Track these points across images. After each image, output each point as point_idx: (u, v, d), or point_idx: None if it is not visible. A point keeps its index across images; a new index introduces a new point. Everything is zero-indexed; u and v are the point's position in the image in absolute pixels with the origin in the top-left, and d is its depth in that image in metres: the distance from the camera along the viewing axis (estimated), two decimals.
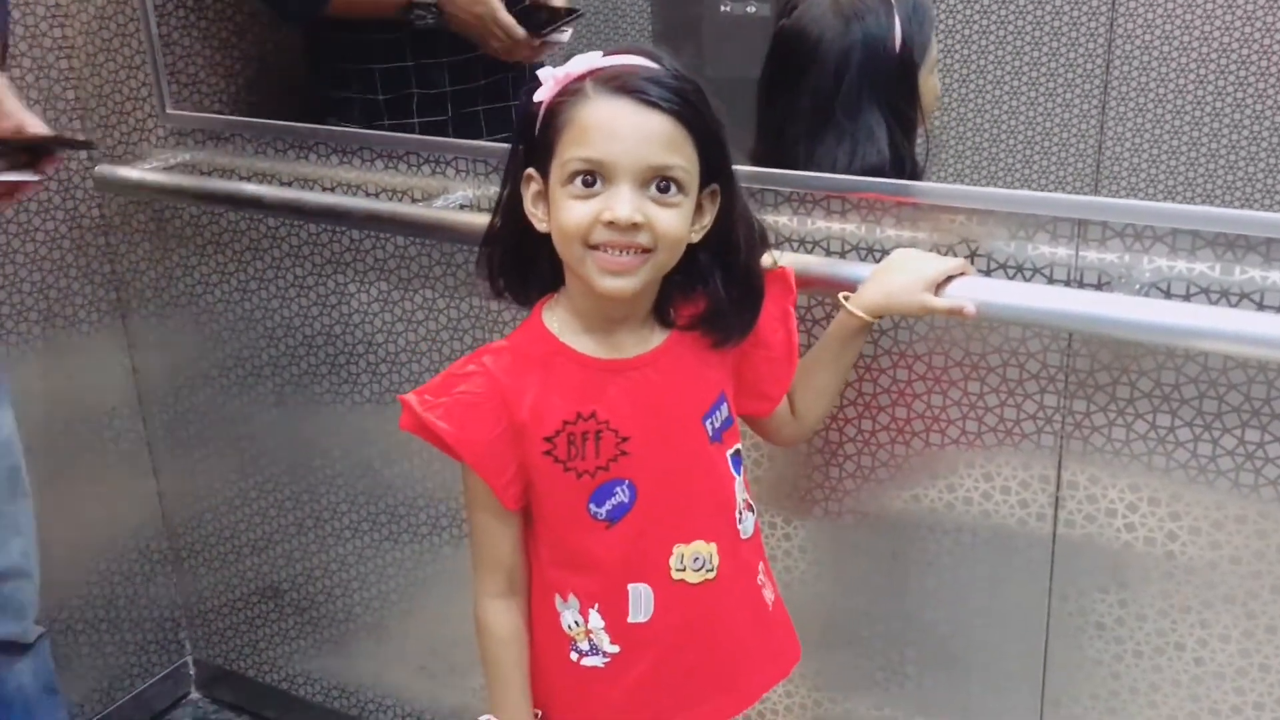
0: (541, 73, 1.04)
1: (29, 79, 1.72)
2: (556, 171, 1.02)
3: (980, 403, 1.27)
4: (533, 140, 1.05)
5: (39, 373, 1.80)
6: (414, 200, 1.54)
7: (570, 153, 1.00)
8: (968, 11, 1.87)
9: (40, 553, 1.80)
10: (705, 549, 1.12)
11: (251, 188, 1.62)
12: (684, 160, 1.01)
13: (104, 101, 1.78)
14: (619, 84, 1.00)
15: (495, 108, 1.80)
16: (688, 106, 1.00)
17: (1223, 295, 1.13)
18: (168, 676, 2.08)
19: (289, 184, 1.64)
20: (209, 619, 2.05)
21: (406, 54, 1.72)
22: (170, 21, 1.71)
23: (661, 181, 1.00)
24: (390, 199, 1.57)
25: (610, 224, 0.99)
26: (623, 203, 0.99)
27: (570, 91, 1.02)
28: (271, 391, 1.78)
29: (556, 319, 1.10)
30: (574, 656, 1.13)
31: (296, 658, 1.98)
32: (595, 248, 1.01)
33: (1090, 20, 1.78)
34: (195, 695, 2.12)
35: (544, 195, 1.05)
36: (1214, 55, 1.74)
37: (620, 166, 0.99)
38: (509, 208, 1.09)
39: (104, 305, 1.87)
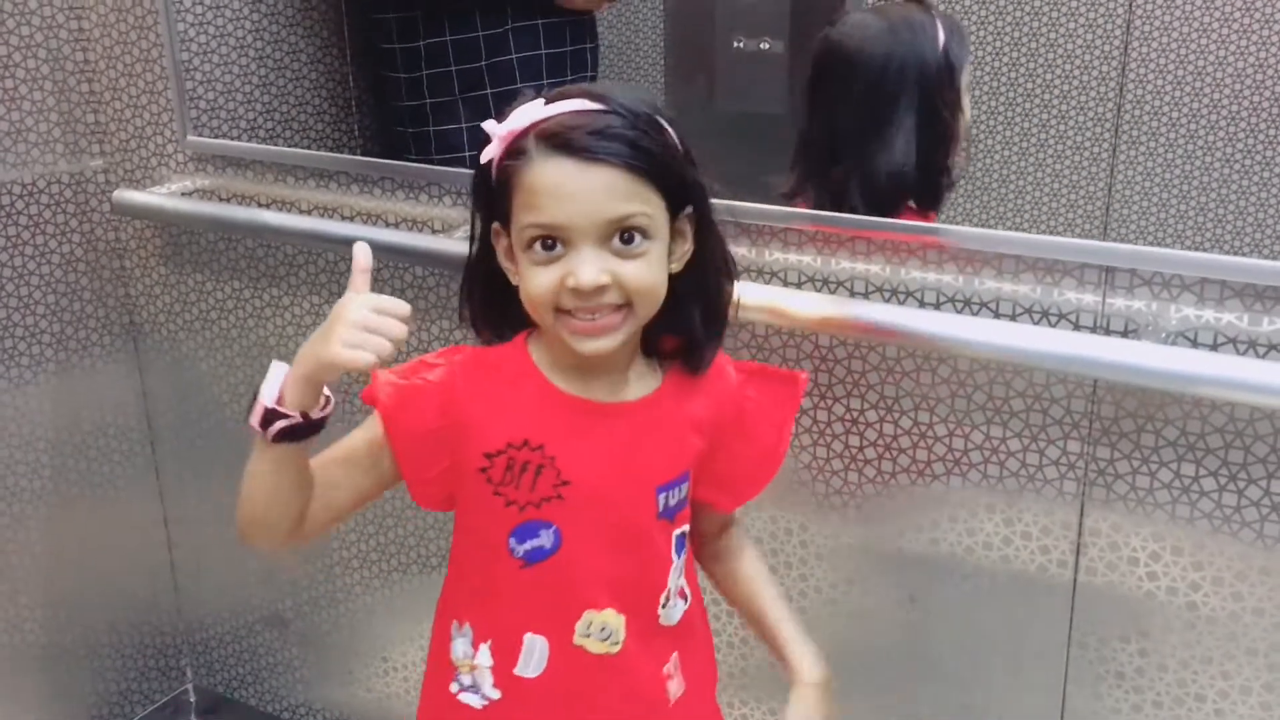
0: (486, 126, 0.99)
1: (50, 101, 1.72)
2: (516, 235, 0.98)
3: (1003, 447, 1.27)
4: (491, 196, 1.00)
5: (50, 395, 1.79)
6: (434, 231, 1.54)
7: (523, 219, 0.96)
8: (979, 53, 1.88)
9: (46, 575, 1.80)
10: (615, 620, 1.04)
11: (270, 216, 1.62)
12: (643, 205, 0.95)
13: (124, 126, 1.78)
14: (560, 141, 0.93)
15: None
16: (638, 152, 0.94)
17: (1250, 346, 1.13)
18: (168, 704, 2.05)
19: (308, 212, 1.64)
20: (211, 646, 2.03)
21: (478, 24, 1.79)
22: (191, 48, 1.72)
23: (624, 234, 0.95)
24: (410, 229, 1.57)
25: (575, 289, 0.94)
26: (585, 267, 0.94)
27: (515, 151, 0.96)
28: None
29: (536, 347, 1.05)
30: (454, 688, 1.08)
31: (300, 688, 1.96)
32: (567, 312, 0.97)
33: (1102, 64, 1.79)
34: None
35: (512, 248, 1.00)
36: (1226, 101, 1.75)
37: (576, 229, 0.94)
38: (480, 265, 1.05)
39: (116, 329, 1.86)
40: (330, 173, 1.62)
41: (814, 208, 1.44)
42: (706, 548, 1.17)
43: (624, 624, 1.05)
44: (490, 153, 0.98)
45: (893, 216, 1.38)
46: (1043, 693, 1.32)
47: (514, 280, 1.01)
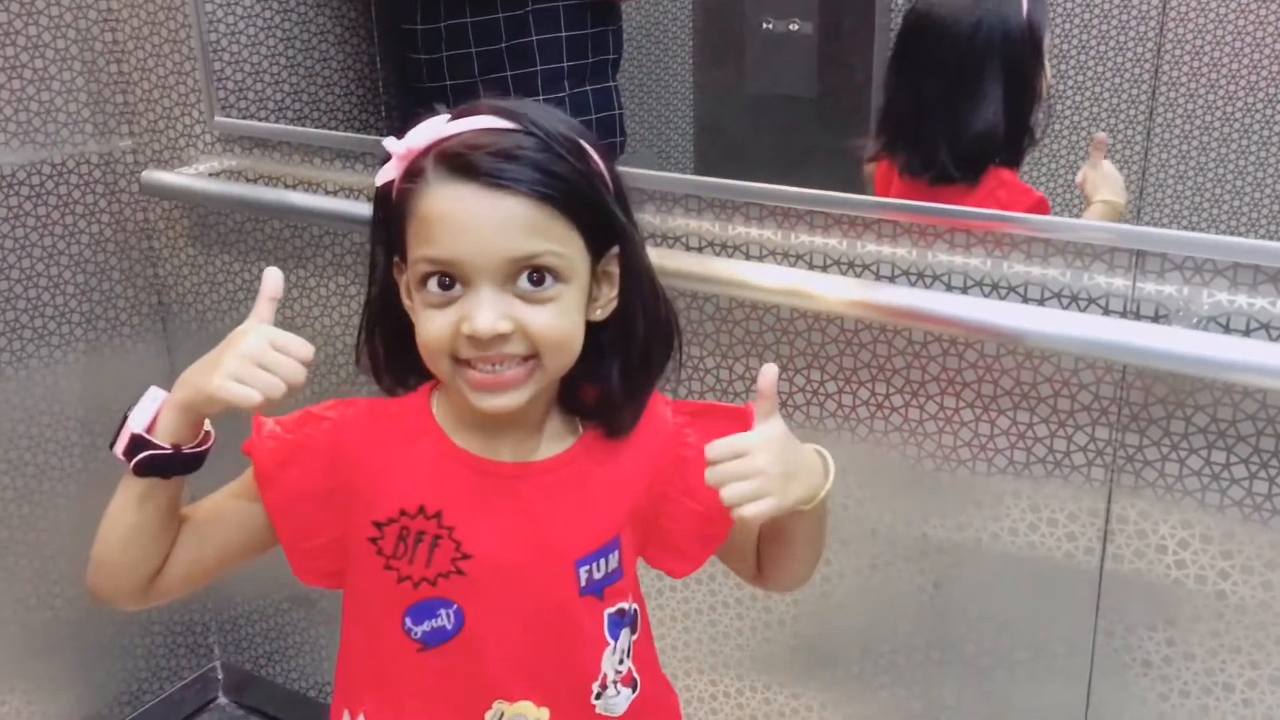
0: (385, 142, 0.87)
1: (79, 82, 1.73)
2: (410, 269, 0.85)
3: (1029, 433, 1.25)
4: (389, 226, 0.88)
5: (80, 374, 1.80)
6: None
7: (417, 252, 0.83)
8: None
9: (75, 553, 1.81)
10: (533, 714, 0.92)
11: (296, 197, 1.62)
12: (555, 243, 0.83)
13: (152, 106, 1.78)
14: (461, 164, 0.81)
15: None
16: (551, 179, 0.82)
17: None
18: (196, 680, 2.07)
19: (334, 193, 1.64)
20: (238, 624, 2.05)
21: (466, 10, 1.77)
22: (219, 28, 1.72)
23: (532, 274, 0.82)
24: None
25: (471, 337, 0.82)
26: (482, 310, 0.81)
27: (412, 173, 0.84)
28: (311, 398, 1.76)
29: (439, 402, 0.93)
30: None
31: (326, 666, 1.97)
32: (466, 363, 0.84)
33: (1137, 45, 1.76)
34: (222, 700, 2.12)
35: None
36: (1263, 84, 1.72)
37: (473, 266, 0.81)
38: (380, 297, 0.92)
39: (145, 309, 1.88)
40: (356, 154, 1.62)
41: (900, 171, 1.48)
42: (746, 578, 1.04)
43: (547, 717, 0.93)
44: (387, 174, 0.87)
45: (979, 176, 1.42)
46: (1068, 681, 1.31)
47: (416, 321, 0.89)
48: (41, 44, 1.67)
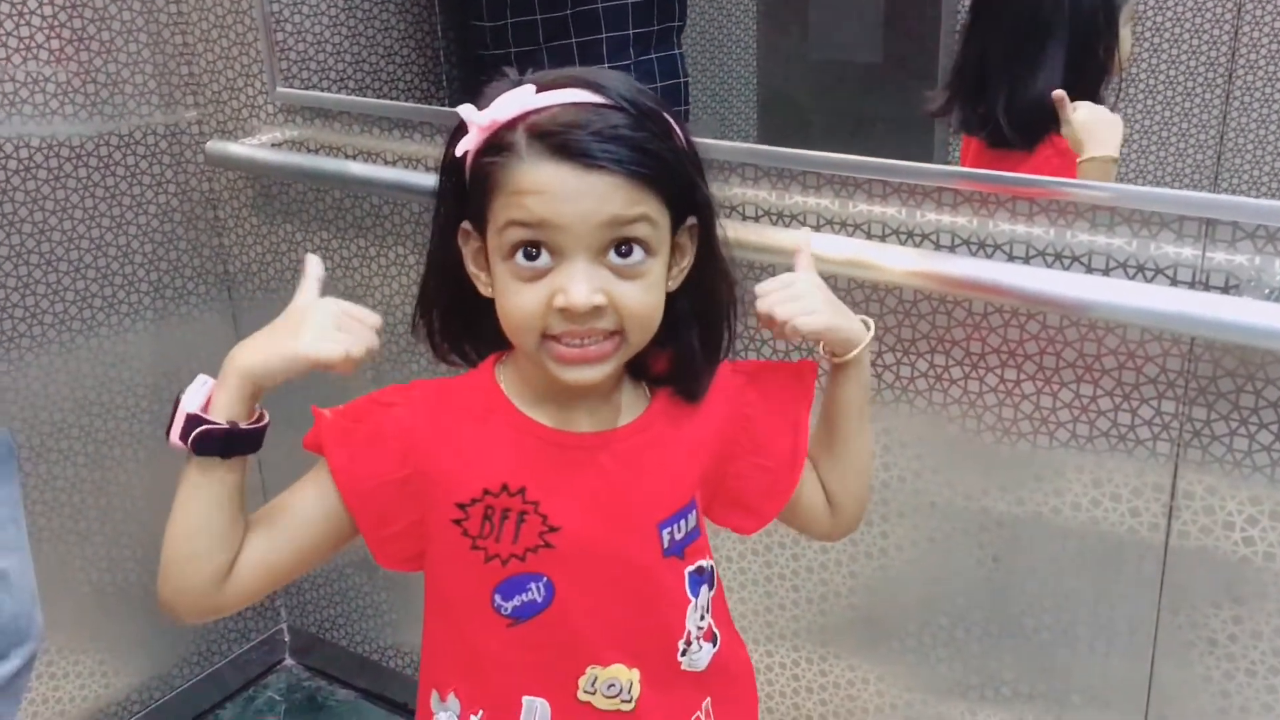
0: (463, 111, 0.85)
1: (144, 54, 1.75)
2: (494, 240, 0.85)
3: (1093, 406, 1.23)
4: (462, 192, 0.88)
5: (148, 342, 1.84)
6: None
7: (507, 218, 0.83)
8: None
9: (145, 517, 1.85)
10: (625, 676, 0.93)
11: (356, 167, 1.63)
12: (648, 212, 0.83)
13: (216, 78, 1.80)
14: (558, 143, 0.81)
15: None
16: (645, 157, 0.82)
17: None
18: (263, 642, 2.12)
19: (393, 163, 1.65)
20: (304, 588, 2.09)
21: None
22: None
23: (622, 245, 0.83)
24: None
25: (565, 310, 0.82)
26: (577, 284, 0.82)
27: (500, 145, 0.83)
28: (369, 367, 1.79)
29: (507, 376, 0.93)
30: None
31: (388, 631, 2.00)
32: (552, 337, 0.84)
33: (1216, 6, 1.70)
34: (289, 662, 2.16)
35: (485, 253, 0.88)
36: None
37: (570, 236, 0.81)
38: (443, 265, 0.92)
39: (211, 278, 1.91)
40: (415, 123, 1.62)
41: (957, 130, 1.49)
42: (818, 530, 1.05)
43: (638, 678, 0.93)
44: (467, 144, 0.85)
45: (1035, 146, 1.39)
46: (1130, 659, 1.28)
47: (483, 290, 0.89)
48: (108, 16, 1.70)
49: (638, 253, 0.84)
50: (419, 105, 1.65)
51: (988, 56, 1.47)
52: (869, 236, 1.29)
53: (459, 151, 0.86)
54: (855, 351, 0.96)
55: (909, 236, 1.27)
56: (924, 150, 1.80)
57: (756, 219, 1.35)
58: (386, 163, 1.65)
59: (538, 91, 0.84)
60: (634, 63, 1.90)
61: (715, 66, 2.20)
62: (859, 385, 0.99)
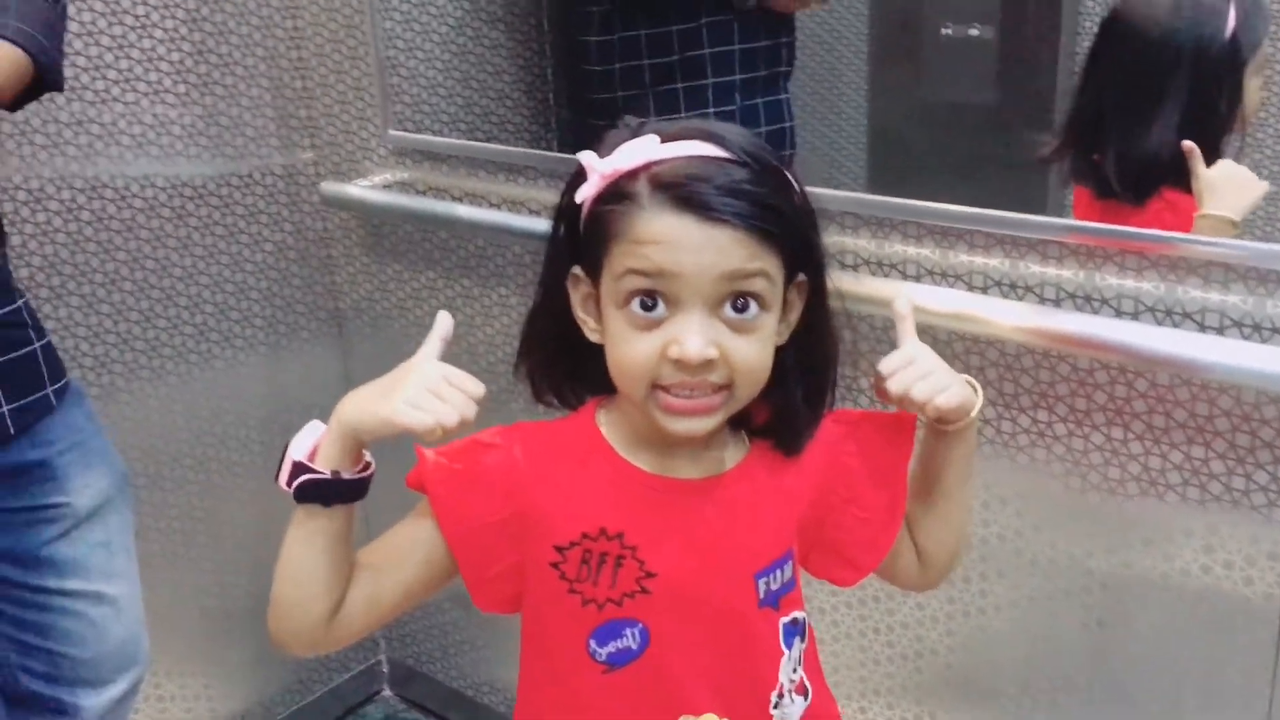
0: (584, 158, 0.87)
1: (266, 98, 1.82)
2: (609, 286, 0.85)
3: (1204, 468, 1.18)
4: (576, 238, 0.89)
5: (261, 375, 1.90)
6: None
7: (625, 266, 0.83)
8: None
9: (253, 546, 1.90)
10: None
11: (461, 209, 1.66)
12: (766, 268, 0.83)
13: (332, 121, 1.86)
14: (680, 195, 0.81)
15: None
16: (767, 212, 0.82)
17: None
18: (362, 673, 2.16)
19: (498, 205, 1.67)
20: (404, 621, 2.12)
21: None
22: (396, 44, 1.78)
23: (739, 300, 0.83)
24: None
25: (678, 361, 0.83)
26: (691, 336, 0.82)
27: (622, 194, 0.84)
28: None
29: (608, 420, 0.93)
30: None
31: (483, 666, 2.02)
32: (662, 387, 0.85)
33: None
34: (387, 693, 2.19)
35: (595, 299, 0.88)
36: None
37: (688, 287, 0.82)
38: (550, 308, 0.93)
39: (323, 314, 1.96)
40: (520, 167, 1.65)
41: (1068, 178, 1.45)
42: (908, 582, 1.05)
43: None
44: (586, 190, 0.86)
45: (1146, 200, 1.34)
46: None
47: (590, 335, 0.90)
48: (232, 61, 1.77)
49: (753, 308, 0.84)
50: (524, 149, 1.67)
51: (1103, 104, 1.43)
52: (970, 288, 1.26)
53: (578, 198, 0.88)
54: (969, 419, 0.95)
55: (1012, 289, 1.24)
56: (1039, 194, 1.76)
57: (855, 268, 1.33)
58: (492, 205, 1.68)
59: (661, 142, 0.85)
60: (740, 107, 1.91)
61: (824, 108, 2.19)
62: (965, 446, 0.98)
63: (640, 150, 0.84)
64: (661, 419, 0.86)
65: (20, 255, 1.58)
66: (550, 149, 1.97)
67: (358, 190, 1.79)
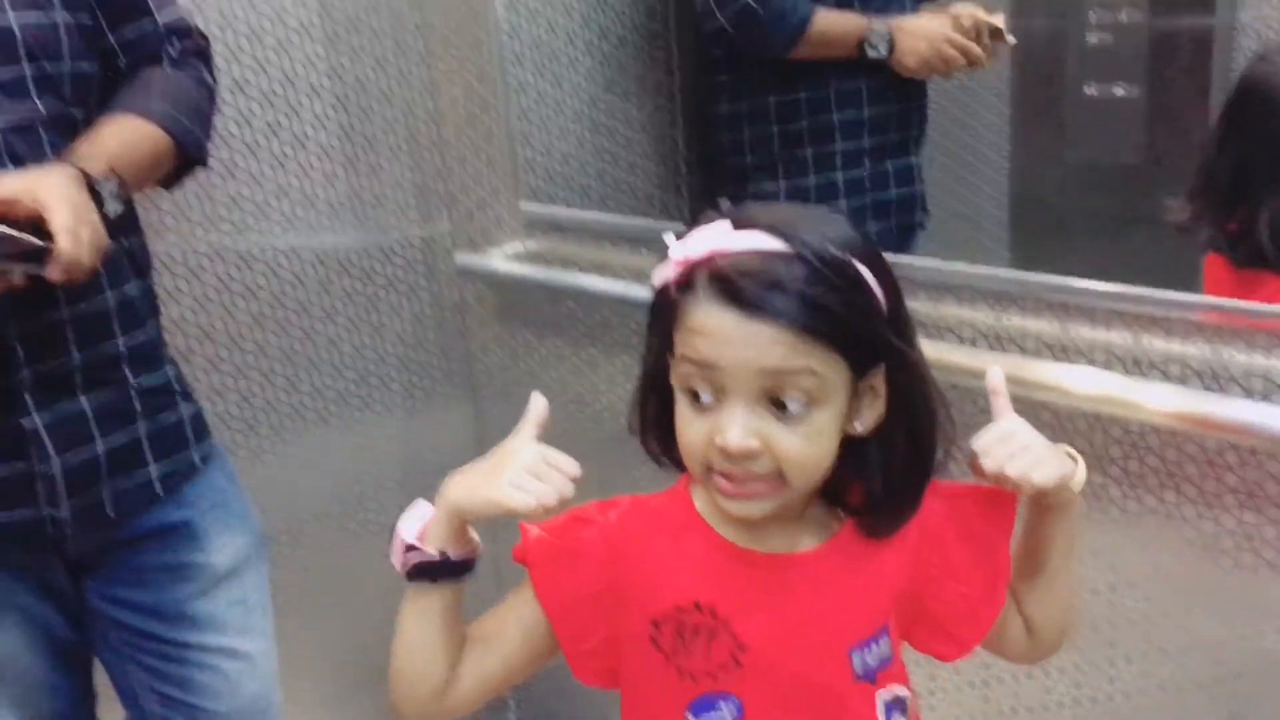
0: (667, 240, 0.89)
1: (406, 174, 1.91)
2: (675, 368, 0.88)
3: None
4: (661, 321, 0.91)
5: (398, 439, 1.97)
6: None
7: (681, 353, 0.86)
8: None
9: (388, 602, 1.95)
10: None
11: (586, 280, 1.71)
12: (812, 367, 0.83)
13: (468, 194, 1.94)
14: (728, 288, 0.83)
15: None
16: (813, 311, 0.82)
17: None
18: None
19: (622, 275, 1.71)
20: (533, 681, 2.14)
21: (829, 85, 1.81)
22: (530, 118, 1.85)
23: (780, 395, 0.83)
24: None
25: (722, 449, 0.84)
26: (732, 426, 0.83)
27: (684, 282, 0.86)
28: (594, 473, 1.84)
29: (702, 495, 0.94)
30: None
31: None
32: (717, 470, 0.86)
33: None
34: None
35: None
36: None
37: (730, 379, 0.83)
38: (652, 380, 0.95)
39: (457, 379, 2.03)
40: (642, 239, 1.68)
41: (1208, 247, 1.40)
42: (1015, 654, 1.03)
43: None
44: (664, 275, 0.89)
45: None
46: None
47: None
48: (376, 140, 1.86)
49: (796, 404, 0.83)
50: (646, 221, 1.71)
51: (1244, 168, 1.38)
52: (1091, 363, 1.23)
53: (657, 282, 0.91)
54: (1070, 494, 0.93)
55: (1135, 365, 1.21)
56: (1190, 256, 1.70)
57: (972, 342, 1.31)
58: (616, 275, 1.72)
59: (734, 228, 0.86)
60: (869, 172, 1.91)
61: (965, 170, 2.16)
62: (1068, 520, 0.96)
63: (707, 239, 0.86)
64: (719, 499, 0.88)
65: (177, 325, 1.69)
66: (682, 217, 2.00)
67: (490, 261, 1.85)
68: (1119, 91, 1.98)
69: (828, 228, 0.86)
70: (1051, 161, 2.14)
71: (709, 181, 2.04)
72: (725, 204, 0.90)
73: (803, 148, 1.89)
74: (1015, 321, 1.29)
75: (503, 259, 1.85)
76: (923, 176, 2.00)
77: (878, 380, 0.88)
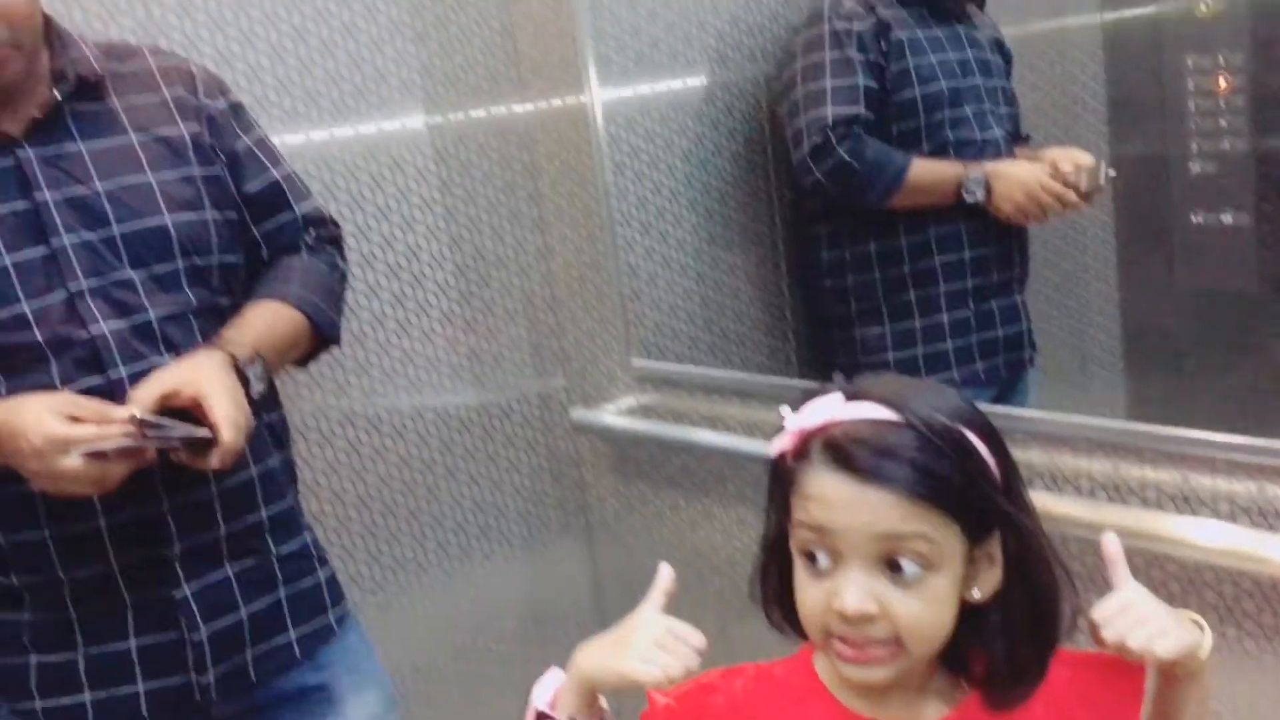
0: (783, 413, 0.92)
1: (522, 333, 1.99)
2: (793, 534, 0.91)
3: None
4: (779, 489, 0.94)
5: (518, 592, 2.01)
6: None
7: (796, 519, 0.89)
8: None
9: None
10: None
11: (699, 434, 1.75)
12: (926, 533, 0.85)
13: (581, 351, 2.01)
14: (842, 455, 0.86)
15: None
16: (926, 478, 0.84)
17: None
18: None
19: (733, 428, 1.75)
20: None
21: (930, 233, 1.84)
22: (640, 275, 1.92)
23: (894, 559, 0.85)
24: None
25: (840, 614, 0.86)
26: (849, 590, 0.85)
27: (800, 451, 0.89)
28: (713, 624, 1.85)
29: (822, 662, 0.95)
30: None
31: None
32: (836, 635, 0.88)
33: None
34: None
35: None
36: None
37: (845, 544, 0.85)
38: (772, 546, 0.97)
39: (575, 530, 2.07)
40: (753, 392, 1.72)
41: None
42: None
43: None
44: (780, 445, 0.92)
45: None
46: None
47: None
48: (493, 304, 1.95)
49: (911, 568, 0.85)
50: (755, 376, 1.75)
51: None
52: (1216, 515, 1.22)
53: (774, 451, 0.94)
54: (1198, 662, 0.92)
55: (1261, 515, 1.19)
56: None
57: (1091, 494, 1.31)
58: (728, 428, 1.75)
59: (845, 400, 0.89)
60: (974, 312, 1.92)
61: (1074, 302, 2.16)
62: (1197, 688, 0.94)
63: (821, 410, 0.89)
64: (838, 665, 0.89)
65: (310, 490, 1.77)
66: (789, 360, 2.04)
67: (604, 416, 1.91)
68: (1226, 219, 1.97)
69: (937, 399, 0.90)
70: (1162, 290, 2.13)
71: (814, 328, 2.08)
72: (839, 377, 0.94)
73: (906, 292, 1.91)
74: (1134, 472, 1.28)
75: (616, 413, 1.91)
76: (1028, 314, 2.01)
77: (993, 547, 0.89)
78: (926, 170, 1.79)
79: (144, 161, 1.29)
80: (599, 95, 1.88)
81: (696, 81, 1.94)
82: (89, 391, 1.21)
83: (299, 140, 1.75)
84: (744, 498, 1.77)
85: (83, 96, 1.28)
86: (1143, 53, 2.01)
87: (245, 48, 1.70)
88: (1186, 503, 1.24)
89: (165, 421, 1.15)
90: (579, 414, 1.95)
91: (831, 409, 0.90)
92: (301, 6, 1.74)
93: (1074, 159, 1.78)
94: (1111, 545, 0.96)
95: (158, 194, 1.29)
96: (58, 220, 1.23)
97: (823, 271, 1.95)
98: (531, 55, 1.96)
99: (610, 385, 1.97)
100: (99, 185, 1.26)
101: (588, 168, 1.91)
